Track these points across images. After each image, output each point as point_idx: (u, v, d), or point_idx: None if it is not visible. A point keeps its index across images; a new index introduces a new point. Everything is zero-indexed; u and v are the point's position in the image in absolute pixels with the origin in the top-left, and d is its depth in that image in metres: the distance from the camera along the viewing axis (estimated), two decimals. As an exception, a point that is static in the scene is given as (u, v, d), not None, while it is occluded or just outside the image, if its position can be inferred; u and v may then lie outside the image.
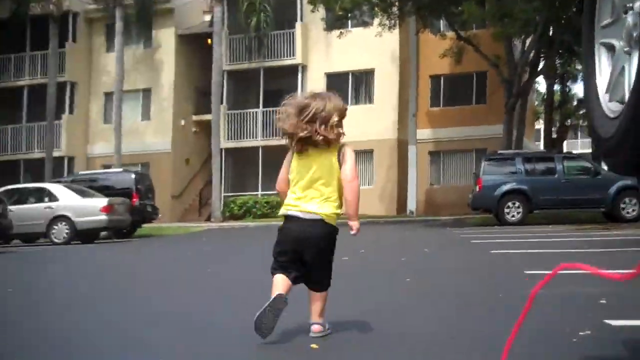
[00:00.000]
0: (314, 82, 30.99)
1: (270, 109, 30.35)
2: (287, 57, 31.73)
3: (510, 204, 20.58)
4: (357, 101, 31.51)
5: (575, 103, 43.76)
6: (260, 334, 3.44)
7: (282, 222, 3.70)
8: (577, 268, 1.93)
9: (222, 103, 31.16)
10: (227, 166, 31.53)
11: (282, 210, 3.71)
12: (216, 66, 30.24)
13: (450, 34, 27.16)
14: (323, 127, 3.51)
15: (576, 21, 26.06)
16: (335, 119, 3.55)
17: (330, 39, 30.03)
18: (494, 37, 24.68)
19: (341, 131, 3.61)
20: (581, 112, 43.33)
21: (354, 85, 31.63)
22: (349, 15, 27.42)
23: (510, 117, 26.62)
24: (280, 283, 3.52)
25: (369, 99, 31.52)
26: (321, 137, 3.51)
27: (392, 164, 30.15)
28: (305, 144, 3.56)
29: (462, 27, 26.26)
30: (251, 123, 31.65)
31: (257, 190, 30.74)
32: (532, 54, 26.99)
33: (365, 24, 29.69)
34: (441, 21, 28.79)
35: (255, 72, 31.90)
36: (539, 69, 29.31)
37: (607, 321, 3.87)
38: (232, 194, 31.16)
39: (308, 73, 31.63)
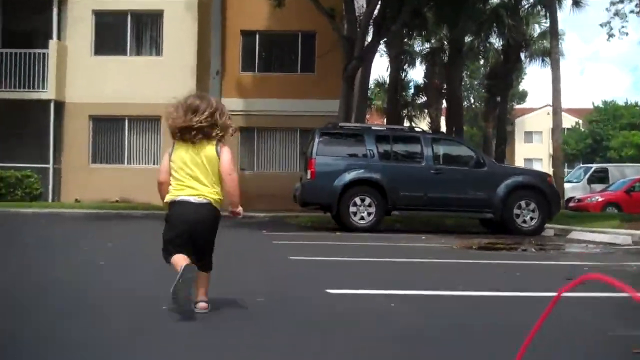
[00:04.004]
0: (77, 22, 22.30)
1: (13, 50, 21.30)
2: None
3: (357, 200, 13.53)
4: (138, 51, 23.37)
5: (412, 91, 37.87)
6: (177, 305, 3.73)
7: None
8: (603, 280, 1.79)
9: None
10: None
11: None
12: None
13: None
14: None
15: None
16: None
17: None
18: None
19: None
20: (418, 101, 37.83)
21: (134, 30, 23.34)
22: None
23: (349, 88, 19.74)
24: (182, 257, 3.82)
25: (156, 49, 23.37)
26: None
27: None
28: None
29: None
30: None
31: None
32: (377, 9, 20.34)
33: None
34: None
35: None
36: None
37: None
38: None
39: (68, 9, 22.80)
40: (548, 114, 70.59)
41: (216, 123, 4.00)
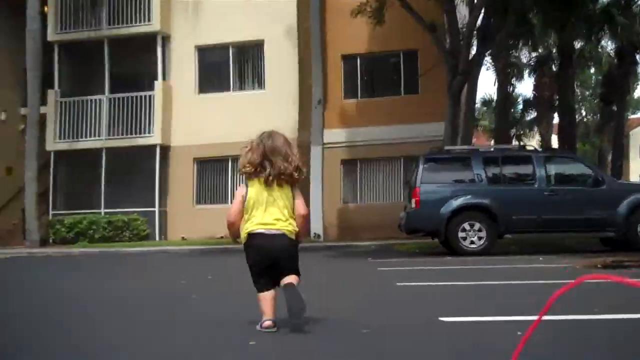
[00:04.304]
0: (180, 57, 22.69)
1: (119, 95, 21.89)
2: (140, 22, 22.84)
3: (466, 225, 12.98)
4: (241, 85, 23.36)
5: (520, 106, 36.34)
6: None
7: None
8: (600, 279, 1.85)
9: (52, 88, 22.72)
10: (59, 175, 22.86)
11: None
12: (31, 32, 21.18)
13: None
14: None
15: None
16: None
17: (201, -3, 22.59)
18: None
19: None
20: (527, 117, 36.32)
21: (235, 63, 23.28)
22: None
23: (455, 105, 19.05)
24: (270, 306, 4.25)
25: (259, 82, 23.23)
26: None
27: (290, 174, 21.86)
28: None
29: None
30: (93, 115, 22.79)
31: (99, 208, 22.10)
32: (480, 17, 19.60)
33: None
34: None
35: (97, 44, 23.02)
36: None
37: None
38: (65, 211, 22.30)
39: (172, 45, 23.17)
40: None
41: (299, 169, 4.24)
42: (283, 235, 4.21)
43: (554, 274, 8.64)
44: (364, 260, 12.31)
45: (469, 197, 13.18)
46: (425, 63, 22.31)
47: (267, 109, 21.71)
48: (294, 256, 4.30)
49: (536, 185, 13.24)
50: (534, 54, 32.83)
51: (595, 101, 45.81)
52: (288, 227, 4.23)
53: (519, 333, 3.94)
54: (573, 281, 1.96)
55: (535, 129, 35.77)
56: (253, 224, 4.21)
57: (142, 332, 4.65)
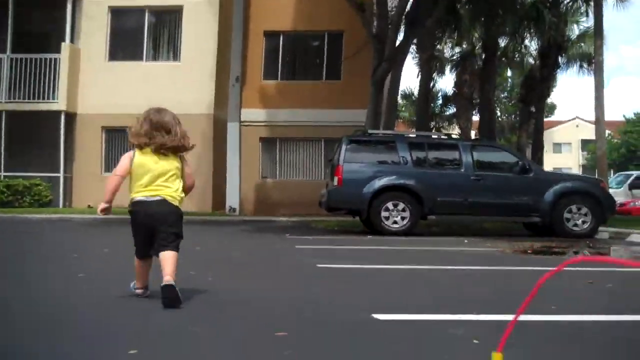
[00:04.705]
0: (92, 18, 21.20)
1: (22, 55, 20.34)
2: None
3: (390, 205, 12.33)
4: (155, 55, 22.00)
5: (440, 101, 36.37)
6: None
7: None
8: (594, 261, 2.41)
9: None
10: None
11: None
12: None
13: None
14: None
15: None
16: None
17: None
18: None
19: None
20: (446, 112, 36.39)
21: (150, 29, 21.87)
22: None
23: (378, 93, 18.47)
24: (142, 273, 4.45)
25: (174, 53, 21.88)
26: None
27: (206, 149, 20.77)
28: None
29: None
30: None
31: (-2, 170, 20.57)
32: (409, 4, 19.12)
33: None
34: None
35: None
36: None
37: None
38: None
39: (83, 6, 21.48)
40: (577, 126, 72.47)
41: (185, 145, 4.41)
42: (164, 201, 4.29)
43: (485, 258, 8.05)
44: (282, 236, 11.51)
45: (393, 177, 12.71)
46: (350, 47, 21.78)
47: (181, 82, 20.70)
48: (175, 223, 4.32)
49: (462, 170, 12.95)
50: (457, 49, 32.91)
51: (511, 103, 47.20)
52: (172, 194, 4.32)
53: (475, 341, 3.19)
54: (555, 268, 1.80)
55: (455, 123, 35.93)
56: (135, 192, 4.34)
57: None
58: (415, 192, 12.50)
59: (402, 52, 20.29)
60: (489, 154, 13.85)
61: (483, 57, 28.17)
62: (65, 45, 20.69)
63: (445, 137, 16.65)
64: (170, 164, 4.34)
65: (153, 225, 4.24)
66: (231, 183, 19.26)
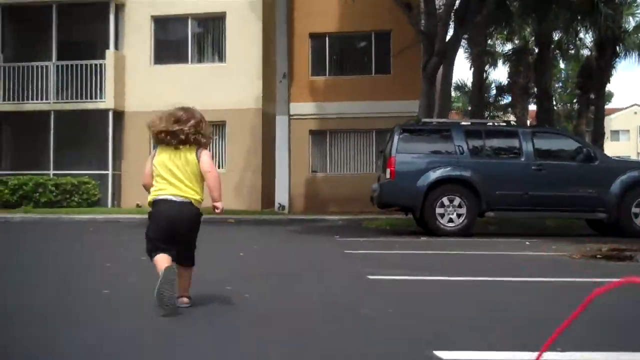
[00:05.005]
0: (135, 28, 21.13)
1: (67, 62, 20.45)
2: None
3: (445, 200, 11.52)
4: (200, 58, 21.85)
5: (494, 92, 35.48)
6: (162, 304, 3.84)
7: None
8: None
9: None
10: (4, 136, 21.35)
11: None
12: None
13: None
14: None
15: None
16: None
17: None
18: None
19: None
20: (501, 102, 35.50)
21: (195, 35, 21.82)
22: None
23: (430, 86, 17.76)
24: (164, 258, 4.01)
25: (219, 55, 21.75)
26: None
27: (255, 143, 20.53)
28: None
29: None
30: (39, 80, 21.07)
31: (48, 169, 20.66)
32: (458, 1, 18.41)
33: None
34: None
35: (45, 9, 21.33)
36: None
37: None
38: (10, 172, 20.68)
39: (125, 14, 21.55)
40: (635, 113, 70.34)
41: (200, 132, 4.25)
42: (188, 204, 4.17)
43: (554, 266, 7.31)
44: (330, 239, 10.89)
45: (449, 168, 11.83)
46: (398, 44, 21.30)
47: (227, 81, 20.61)
48: (195, 228, 4.25)
49: (523, 159, 11.93)
50: (509, 45, 32.21)
51: (566, 92, 46.07)
52: (194, 195, 4.20)
53: None
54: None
55: (510, 112, 34.98)
56: (156, 190, 4.22)
57: None
58: (473, 184, 11.64)
59: (453, 47, 19.59)
60: (550, 141, 12.57)
61: (537, 50, 27.41)
62: (110, 53, 20.74)
63: (504, 124, 15.81)
64: (188, 162, 4.20)
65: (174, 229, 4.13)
66: (280, 178, 18.90)
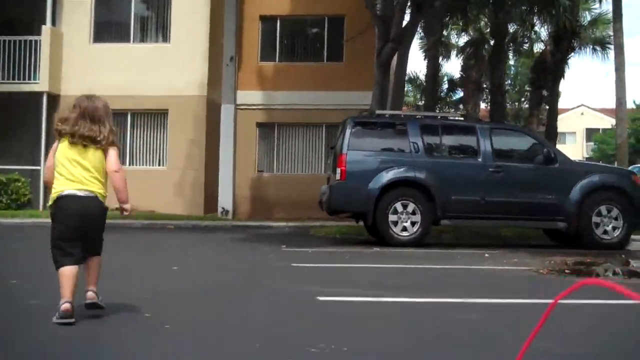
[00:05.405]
0: (75, 3, 19.71)
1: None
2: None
3: (399, 206, 10.76)
4: (143, 37, 20.47)
5: (446, 85, 35.06)
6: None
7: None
8: (599, 285, 1.77)
9: None
10: None
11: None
12: None
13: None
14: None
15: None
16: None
17: None
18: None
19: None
20: (453, 97, 35.12)
21: (138, 12, 20.44)
22: None
23: (384, 74, 17.03)
24: (70, 277, 3.94)
25: (163, 34, 20.39)
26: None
27: (199, 136, 19.45)
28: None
29: None
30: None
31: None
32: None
33: None
34: None
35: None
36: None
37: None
38: None
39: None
40: (582, 114, 70.34)
41: (114, 132, 4.18)
42: (95, 198, 4.08)
43: (523, 283, 6.68)
44: (276, 249, 10.09)
45: (402, 169, 10.97)
46: (352, 31, 20.44)
47: (171, 63, 19.46)
48: (103, 222, 4.21)
49: (480, 160, 11.14)
50: (464, 37, 31.86)
51: (515, 90, 45.99)
52: (100, 189, 4.12)
53: None
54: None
55: (461, 107, 34.66)
56: (60, 185, 4.06)
57: None
58: (428, 188, 10.82)
59: (409, 33, 18.85)
60: (509, 139, 11.89)
61: (492, 43, 27.03)
62: (46, 29, 19.20)
63: (462, 118, 15.08)
64: (94, 157, 4.12)
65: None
66: (224, 178, 17.82)
